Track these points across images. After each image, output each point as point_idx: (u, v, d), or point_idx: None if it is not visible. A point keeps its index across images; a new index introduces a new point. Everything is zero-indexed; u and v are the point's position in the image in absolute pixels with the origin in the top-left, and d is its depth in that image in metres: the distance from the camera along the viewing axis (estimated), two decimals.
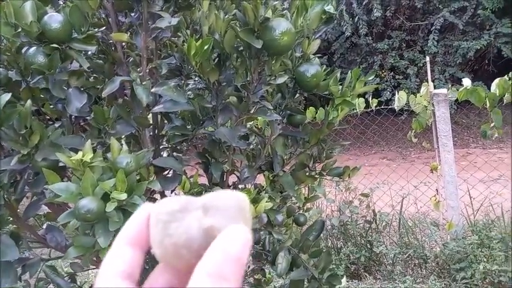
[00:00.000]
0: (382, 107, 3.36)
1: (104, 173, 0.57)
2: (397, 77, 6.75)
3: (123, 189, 0.52)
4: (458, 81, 6.68)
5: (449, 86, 3.03)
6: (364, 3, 6.56)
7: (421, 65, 6.64)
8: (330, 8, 0.78)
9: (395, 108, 2.97)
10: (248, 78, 0.75)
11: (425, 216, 3.29)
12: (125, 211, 0.54)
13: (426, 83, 2.84)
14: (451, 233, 2.68)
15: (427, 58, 2.86)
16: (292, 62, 0.81)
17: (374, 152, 7.35)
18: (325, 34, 7.05)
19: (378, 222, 2.96)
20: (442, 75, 6.49)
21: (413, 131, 2.93)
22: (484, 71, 6.63)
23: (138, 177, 0.60)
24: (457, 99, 2.72)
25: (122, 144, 0.63)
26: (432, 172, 2.92)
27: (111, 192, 0.52)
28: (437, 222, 3.13)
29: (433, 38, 6.32)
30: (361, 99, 3.02)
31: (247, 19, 0.64)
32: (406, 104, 2.94)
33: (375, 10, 6.33)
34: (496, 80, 2.58)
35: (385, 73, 6.95)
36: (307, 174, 0.88)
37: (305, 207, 1.14)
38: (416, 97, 2.88)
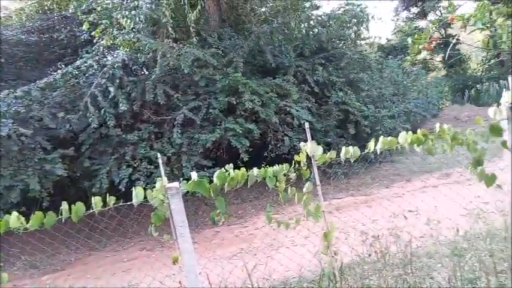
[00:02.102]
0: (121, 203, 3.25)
1: None
2: (149, 166, 6.99)
3: None
4: (203, 168, 7.59)
5: (181, 179, 3.31)
6: (110, 97, 6.70)
7: (170, 154, 7.19)
8: None
9: (134, 204, 2.95)
10: None
11: None
12: None
13: (161, 178, 2.99)
14: None
15: (159, 155, 3.04)
16: None
17: (133, 244, 7.06)
18: (70, 124, 6.66)
19: None
20: (189, 163, 7.19)
21: (153, 224, 2.96)
22: (221, 158, 7.84)
23: None
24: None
25: None
26: (174, 264, 2.99)
27: None
28: None
29: (177, 131, 7.05)
30: (98, 198, 2.86)
31: None
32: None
33: (121, 104, 6.55)
34: (217, 172, 2.99)
35: (137, 163, 7.08)
36: None
37: None
38: (153, 191, 2.97)
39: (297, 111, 8.18)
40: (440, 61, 21.51)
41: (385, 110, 9.87)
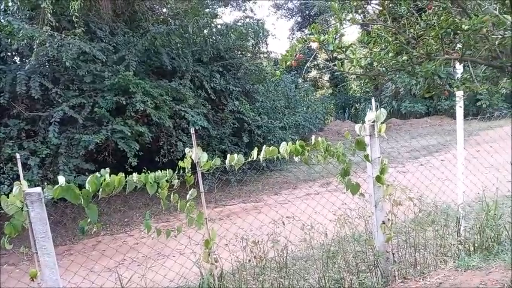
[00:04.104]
0: None
1: None
2: (16, 168, 6.06)
3: None
4: (84, 172, 6.89)
5: (46, 183, 2.93)
6: None
7: (44, 156, 6.37)
8: None
9: None
10: None
11: None
12: None
13: (19, 181, 2.59)
14: None
15: (18, 156, 2.64)
16: None
17: None
18: None
19: None
20: (67, 166, 6.48)
21: (7, 236, 2.54)
22: (106, 161, 7.25)
23: None
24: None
25: None
26: (33, 280, 2.60)
27: None
28: None
29: (54, 130, 6.28)
30: None
31: None
32: None
33: None
34: (89, 178, 2.70)
35: (1, 164, 6.09)
36: None
37: None
38: (8, 197, 2.56)
39: (193, 116, 8.08)
40: (327, 80, 23.77)
41: (277, 121, 10.43)
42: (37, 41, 6.22)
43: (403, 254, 3.56)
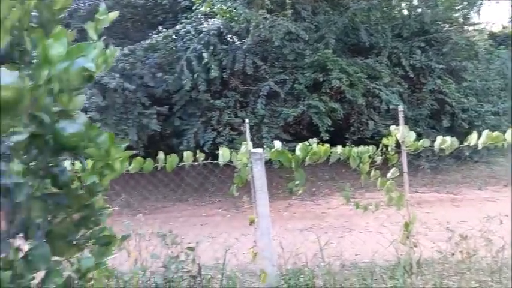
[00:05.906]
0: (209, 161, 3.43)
1: None
2: (231, 132, 7.27)
3: None
4: (282, 141, 7.64)
5: (265, 146, 3.38)
6: (203, 63, 7.02)
7: (252, 124, 7.37)
8: (91, 66, 0.73)
9: (220, 163, 3.12)
10: None
11: (246, 267, 3.44)
12: None
13: (246, 142, 3.10)
14: (269, 282, 2.85)
15: (247, 121, 3.14)
16: (52, 117, 0.71)
17: (212, 203, 7.52)
18: (166, 84, 7.18)
19: (202, 276, 2.95)
20: (269, 135, 7.31)
21: (236, 185, 3.11)
22: (301, 134, 7.82)
23: None
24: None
25: None
26: (251, 224, 3.12)
27: None
28: (256, 273, 3.29)
29: (261, 102, 7.17)
30: (189, 153, 3.10)
31: None
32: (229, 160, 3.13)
33: (212, 71, 6.84)
34: (299, 145, 3.00)
35: (221, 128, 7.41)
36: (72, 243, 0.76)
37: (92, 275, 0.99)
38: (237, 154, 3.11)
39: (387, 95, 7.73)
40: None
41: (490, 105, 8.82)
42: (253, 24, 7.11)
43: None
